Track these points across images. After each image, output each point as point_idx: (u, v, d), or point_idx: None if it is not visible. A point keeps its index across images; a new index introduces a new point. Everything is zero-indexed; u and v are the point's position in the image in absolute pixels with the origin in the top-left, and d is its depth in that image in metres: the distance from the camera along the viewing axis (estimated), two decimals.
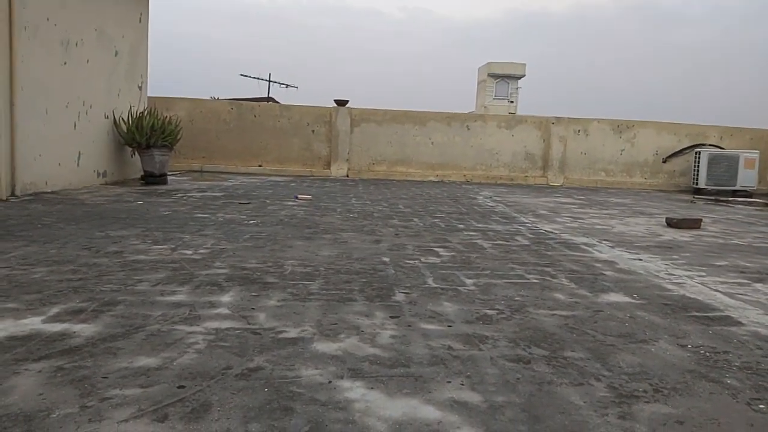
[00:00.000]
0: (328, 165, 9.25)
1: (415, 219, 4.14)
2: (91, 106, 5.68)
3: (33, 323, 1.54)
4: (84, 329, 1.51)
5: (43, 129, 4.86)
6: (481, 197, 6.38)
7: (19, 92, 4.47)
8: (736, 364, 1.46)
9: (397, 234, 3.39)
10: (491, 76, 42.87)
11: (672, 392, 1.27)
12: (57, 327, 1.52)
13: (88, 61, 5.56)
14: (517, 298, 2.00)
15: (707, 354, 1.52)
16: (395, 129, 9.34)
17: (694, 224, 4.29)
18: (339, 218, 4.00)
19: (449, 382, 1.27)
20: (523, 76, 43.55)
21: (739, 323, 1.82)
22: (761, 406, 1.22)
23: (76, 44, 5.32)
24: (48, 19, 4.84)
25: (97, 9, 5.72)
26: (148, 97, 7.29)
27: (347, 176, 9.14)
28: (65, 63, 5.15)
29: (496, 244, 3.13)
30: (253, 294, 1.92)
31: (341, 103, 9.33)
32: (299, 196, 5.40)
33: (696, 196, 7.82)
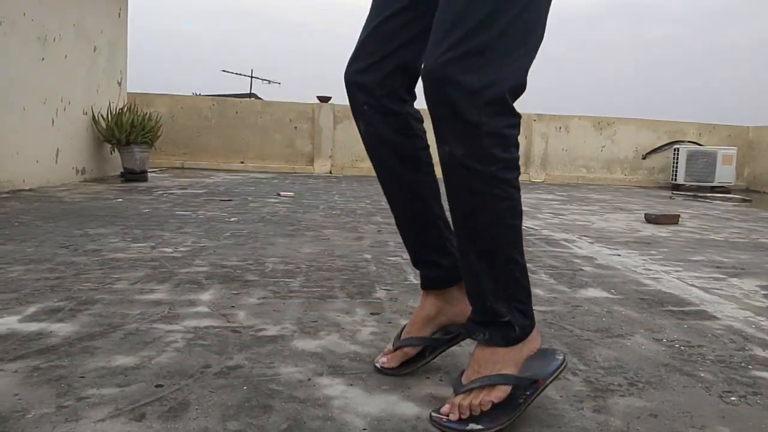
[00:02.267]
0: (311, 162, 9.23)
1: None
2: (69, 103, 5.61)
3: (9, 323, 1.52)
4: (61, 328, 1.49)
5: (21, 126, 4.79)
6: None
7: None
8: (710, 357, 1.49)
9: (379, 231, 3.39)
10: None
11: (646, 386, 1.29)
12: (33, 326, 1.50)
13: (66, 56, 5.49)
14: None
15: (682, 348, 1.55)
16: None
17: (672, 220, 4.35)
18: (321, 215, 4.00)
19: (428, 377, 1.28)
20: None
21: (713, 317, 1.85)
22: (733, 398, 1.24)
23: (54, 40, 5.25)
24: (25, 14, 4.77)
25: (75, 4, 5.64)
26: (128, 93, 7.21)
27: (330, 173, 9.13)
28: (43, 59, 5.08)
29: None
30: (234, 292, 1.92)
31: (324, 99, 9.31)
32: (282, 193, 5.39)
33: (675, 192, 7.93)
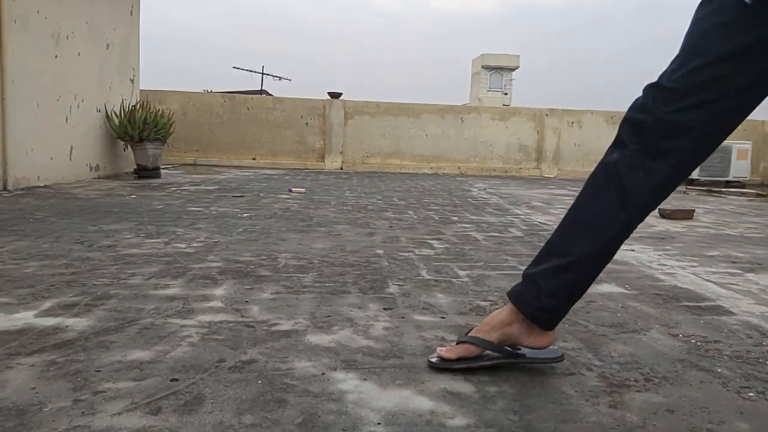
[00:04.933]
0: (322, 158, 9.24)
1: (409, 211, 4.15)
2: (83, 100, 5.65)
3: (25, 317, 1.54)
4: (77, 323, 1.50)
5: (35, 123, 4.83)
6: (475, 189, 6.39)
7: (10, 86, 4.44)
8: (727, 353, 1.47)
9: (391, 226, 3.39)
10: (485, 68, 42.69)
11: (663, 381, 1.28)
12: (50, 321, 1.51)
13: (79, 54, 5.53)
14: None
15: (698, 343, 1.53)
16: (389, 121, 9.33)
17: (686, 215, 4.31)
18: (333, 211, 4.00)
19: (441, 372, 1.27)
20: (517, 67, 43.39)
21: (730, 313, 1.83)
22: (750, 394, 1.23)
23: (67, 37, 5.28)
24: (38, 12, 4.80)
25: (88, 2, 5.67)
26: (141, 90, 7.25)
27: (341, 169, 9.13)
28: (56, 56, 5.12)
29: (490, 236, 3.14)
30: (247, 287, 1.92)
31: (335, 95, 9.31)
32: (293, 189, 5.40)
33: (689, 187, 7.86)
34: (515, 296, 1.30)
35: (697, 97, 1.10)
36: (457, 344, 1.31)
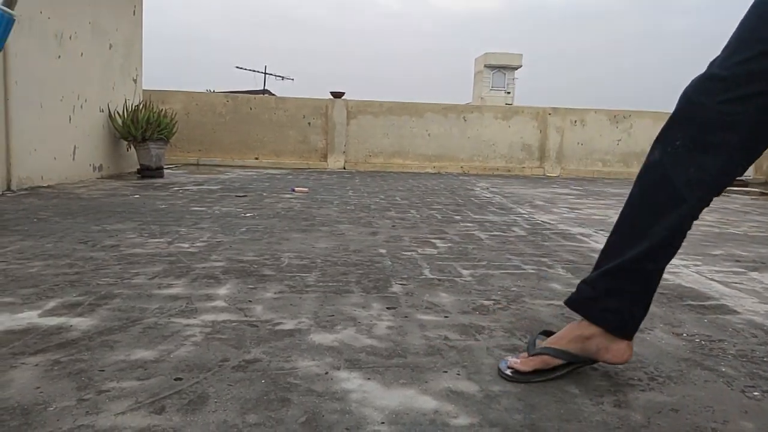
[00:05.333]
0: (324, 157, 9.24)
1: (412, 211, 4.15)
2: (86, 100, 5.66)
3: (29, 317, 1.54)
4: (81, 323, 1.51)
5: (38, 123, 4.84)
6: (478, 189, 6.38)
7: (13, 86, 4.45)
8: (731, 352, 1.47)
9: (393, 226, 3.39)
10: (488, 67, 42.66)
11: (667, 380, 1.27)
12: (53, 321, 1.52)
13: (82, 54, 5.54)
14: (513, 289, 2.01)
15: (702, 342, 1.53)
16: (392, 121, 9.33)
17: None
18: (336, 210, 4.00)
19: (446, 372, 1.27)
20: (520, 66, 43.37)
21: (734, 311, 1.83)
22: (755, 393, 1.22)
23: (70, 37, 5.29)
24: (41, 12, 4.81)
25: (91, 2, 5.68)
26: (143, 90, 7.26)
27: (344, 168, 9.13)
28: (59, 56, 5.13)
29: (493, 235, 3.14)
30: (250, 286, 1.92)
31: (337, 95, 9.31)
32: (296, 188, 5.40)
33: None
34: (575, 304, 1.25)
35: (748, 88, 1.04)
36: (530, 356, 1.25)
